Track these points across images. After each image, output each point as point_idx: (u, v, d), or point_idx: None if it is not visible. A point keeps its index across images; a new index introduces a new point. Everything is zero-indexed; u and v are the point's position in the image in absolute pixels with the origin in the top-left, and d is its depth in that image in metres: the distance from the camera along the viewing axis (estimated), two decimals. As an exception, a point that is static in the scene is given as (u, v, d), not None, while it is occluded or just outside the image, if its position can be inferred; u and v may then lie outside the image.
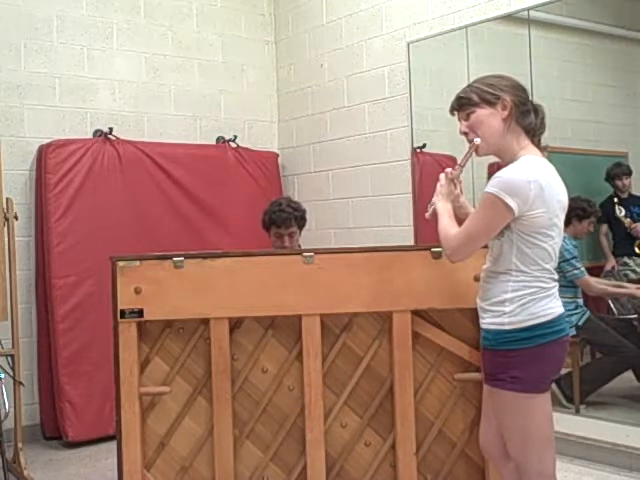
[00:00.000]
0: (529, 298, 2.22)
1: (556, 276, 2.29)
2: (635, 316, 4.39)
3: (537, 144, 2.33)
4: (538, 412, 2.25)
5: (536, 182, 2.16)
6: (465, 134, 2.35)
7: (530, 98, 2.34)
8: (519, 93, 2.30)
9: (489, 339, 2.28)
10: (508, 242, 2.24)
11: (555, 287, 2.27)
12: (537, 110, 2.33)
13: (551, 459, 2.30)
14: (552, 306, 2.24)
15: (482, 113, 2.29)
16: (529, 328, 2.21)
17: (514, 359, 2.22)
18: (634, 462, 3.66)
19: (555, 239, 2.24)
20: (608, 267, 4.46)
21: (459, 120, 2.38)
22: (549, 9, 4.07)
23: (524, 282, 2.23)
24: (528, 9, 4.08)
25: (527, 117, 2.30)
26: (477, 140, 2.31)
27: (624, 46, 4.37)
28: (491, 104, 2.28)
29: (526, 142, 2.30)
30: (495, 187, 2.17)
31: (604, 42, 4.42)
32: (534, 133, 2.32)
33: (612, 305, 4.50)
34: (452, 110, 2.39)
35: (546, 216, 2.19)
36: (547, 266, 2.24)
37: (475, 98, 2.29)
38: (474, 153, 2.36)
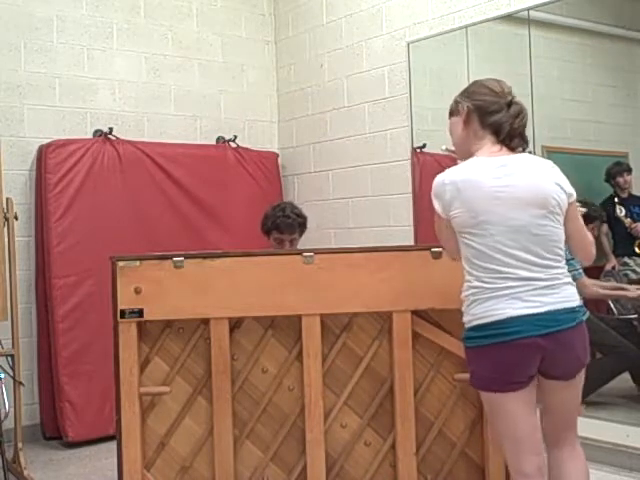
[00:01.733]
0: (472, 298, 2.25)
1: (522, 275, 2.19)
2: (635, 316, 4.39)
3: (508, 141, 2.31)
4: (506, 412, 2.25)
5: (452, 184, 2.25)
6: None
7: (507, 97, 2.31)
8: (480, 97, 2.33)
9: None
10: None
11: (510, 288, 2.19)
12: (510, 107, 2.31)
13: (527, 459, 2.26)
14: (500, 307, 2.19)
15: (451, 121, 2.43)
16: (475, 328, 2.25)
17: (468, 356, 2.32)
18: (634, 462, 3.66)
19: (494, 237, 2.19)
20: (608, 267, 4.45)
21: None
22: (549, 9, 4.07)
23: (468, 282, 2.28)
24: (528, 9, 4.08)
25: (490, 118, 2.31)
26: (442, 147, 2.53)
27: (624, 46, 4.37)
28: (457, 112, 2.40)
29: (484, 142, 2.32)
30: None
31: (604, 42, 4.42)
32: (501, 131, 2.30)
33: (612, 305, 4.50)
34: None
35: (467, 215, 2.22)
36: (487, 265, 2.21)
37: (451, 108, 2.44)
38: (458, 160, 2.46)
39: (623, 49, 4.37)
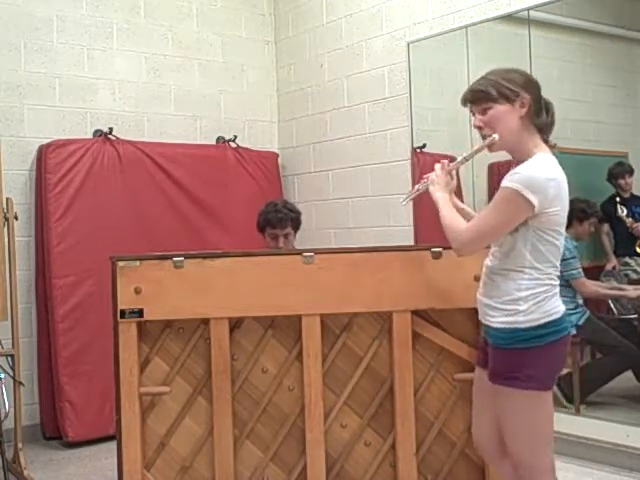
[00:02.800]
0: (543, 296, 2.21)
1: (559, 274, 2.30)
2: (635, 316, 4.39)
3: (547, 142, 2.31)
4: (545, 410, 2.27)
5: (555, 180, 2.17)
6: (479, 128, 2.31)
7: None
8: (535, 90, 2.28)
9: (502, 337, 2.25)
10: (522, 239, 2.21)
11: (558, 285, 2.28)
12: (548, 107, 2.31)
13: (552, 456, 2.33)
14: (559, 304, 2.26)
15: (500, 109, 2.24)
16: (543, 326, 2.20)
17: (529, 357, 2.20)
18: (634, 462, 3.66)
19: (563, 236, 2.26)
20: (609, 267, 4.45)
21: (472, 113, 2.33)
22: (549, 9, 4.07)
23: (538, 280, 2.22)
24: (528, 9, 4.08)
25: (541, 115, 2.28)
26: (495, 136, 2.26)
27: (624, 46, 4.36)
28: (510, 100, 2.24)
29: (539, 140, 2.28)
30: (516, 182, 2.15)
31: (604, 42, 4.41)
32: (546, 129, 2.30)
33: (612, 305, 4.50)
34: (465, 102, 2.33)
35: (562, 214, 2.21)
36: (557, 263, 2.26)
37: (494, 93, 2.24)
38: (486, 148, 2.32)
39: (623, 49, 4.37)
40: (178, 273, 2.71)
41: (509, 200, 2.16)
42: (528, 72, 2.35)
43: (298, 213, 3.82)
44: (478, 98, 2.27)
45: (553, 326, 2.21)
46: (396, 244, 4.30)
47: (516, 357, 2.22)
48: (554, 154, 2.29)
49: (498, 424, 2.35)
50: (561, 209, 2.20)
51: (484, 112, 2.27)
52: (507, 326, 2.23)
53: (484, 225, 2.23)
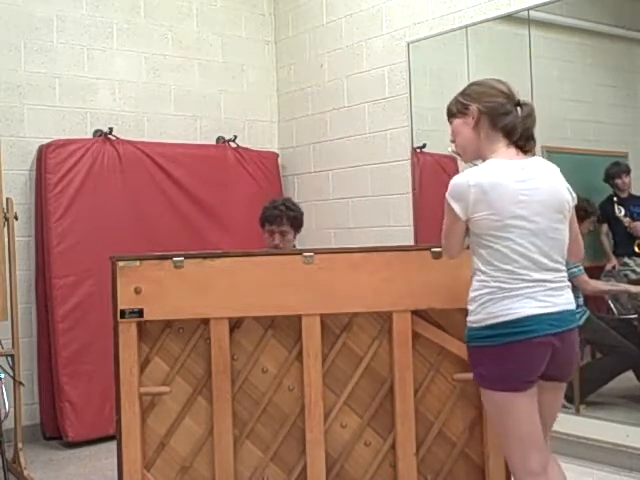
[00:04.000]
0: (487, 297, 2.25)
1: (535, 277, 2.24)
2: (635, 316, 4.39)
3: (522, 142, 2.33)
4: (514, 411, 2.25)
5: (477, 186, 2.22)
6: (452, 142, 2.48)
7: (515, 98, 2.34)
8: (491, 99, 2.34)
9: (465, 335, 2.36)
10: (471, 243, 2.34)
11: (526, 289, 2.23)
12: (522, 108, 2.33)
13: (534, 457, 2.27)
14: (516, 307, 2.22)
15: (457, 122, 2.42)
16: (489, 327, 2.24)
17: (478, 356, 2.29)
18: (634, 462, 3.66)
19: (515, 240, 2.22)
20: (609, 267, 4.45)
21: None
22: (549, 9, 4.07)
23: (484, 282, 2.28)
24: (528, 9, 4.08)
25: (502, 120, 2.32)
26: (449, 149, 2.48)
27: (624, 46, 4.36)
28: (463, 114, 2.39)
29: (499, 145, 2.33)
30: (447, 191, 2.30)
31: (604, 42, 4.41)
32: (513, 133, 2.32)
33: (612, 305, 4.50)
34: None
35: (493, 218, 2.22)
36: (507, 267, 2.23)
37: (453, 109, 2.43)
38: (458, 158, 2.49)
39: (623, 49, 4.37)
40: (178, 273, 2.71)
41: (446, 207, 2.32)
42: (492, 82, 2.39)
43: (298, 212, 3.81)
44: (447, 114, 2.47)
45: (502, 328, 2.21)
46: (396, 244, 4.30)
47: (471, 355, 2.34)
48: (544, 155, 2.31)
49: None
50: (492, 213, 2.22)
51: (451, 125, 2.46)
52: (467, 325, 2.34)
53: (442, 231, 2.41)
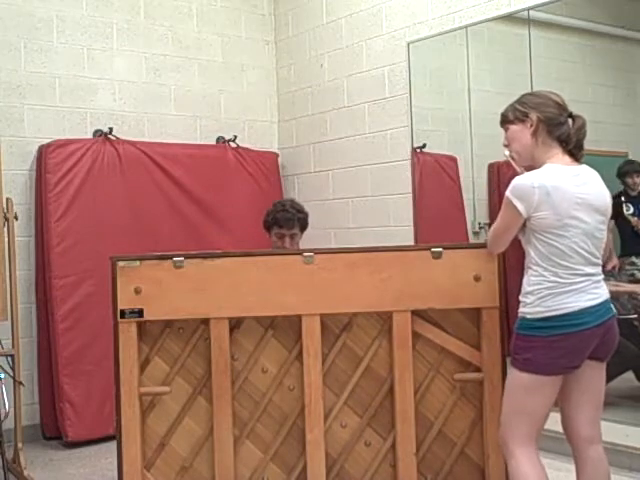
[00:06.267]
0: (546, 292, 2.42)
1: (587, 271, 2.44)
2: (635, 316, 4.38)
3: (575, 151, 2.52)
4: (540, 392, 2.44)
5: (541, 187, 2.40)
6: (505, 146, 2.64)
7: (568, 110, 2.53)
8: (548, 109, 2.52)
9: (516, 325, 2.50)
10: (527, 239, 2.49)
11: (580, 283, 2.42)
12: (574, 120, 2.52)
13: (534, 436, 2.47)
14: (570, 301, 2.41)
15: (514, 129, 2.58)
16: (544, 319, 2.42)
17: (527, 343, 2.44)
18: (634, 462, 3.66)
19: (571, 238, 2.42)
20: (609, 267, 4.44)
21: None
22: (549, 9, 4.07)
23: (542, 277, 2.44)
24: (528, 9, 4.08)
25: (558, 129, 2.50)
26: (506, 153, 2.62)
27: (624, 46, 4.36)
28: (521, 121, 2.55)
29: (555, 152, 2.51)
30: (508, 190, 2.47)
31: (604, 42, 4.41)
32: (568, 142, 2.51)
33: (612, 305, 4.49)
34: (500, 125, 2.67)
35: (553, 217, 2.41)
36: (564, 263, 2.42)
37: (510, 116, 2.59)
38: (514, 163, 2.64)
39: (623, 49, 4.36)
40: (178, 273, 2.71)
41: (505, 206, 2.49)
42: (549, 94, 2.57)
43: (306, 214, 3.81)
44: (502, 121, 2.63)
45: (556, 320, 2.40)
46: (396, 244, 4.30)
47: (519, 342, 2.47)
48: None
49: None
50: (553, 213, 2.40)
51: (506, 132, 2.62)
52: (520, 315, 2.49)
53: (493, 228, 2.60)
